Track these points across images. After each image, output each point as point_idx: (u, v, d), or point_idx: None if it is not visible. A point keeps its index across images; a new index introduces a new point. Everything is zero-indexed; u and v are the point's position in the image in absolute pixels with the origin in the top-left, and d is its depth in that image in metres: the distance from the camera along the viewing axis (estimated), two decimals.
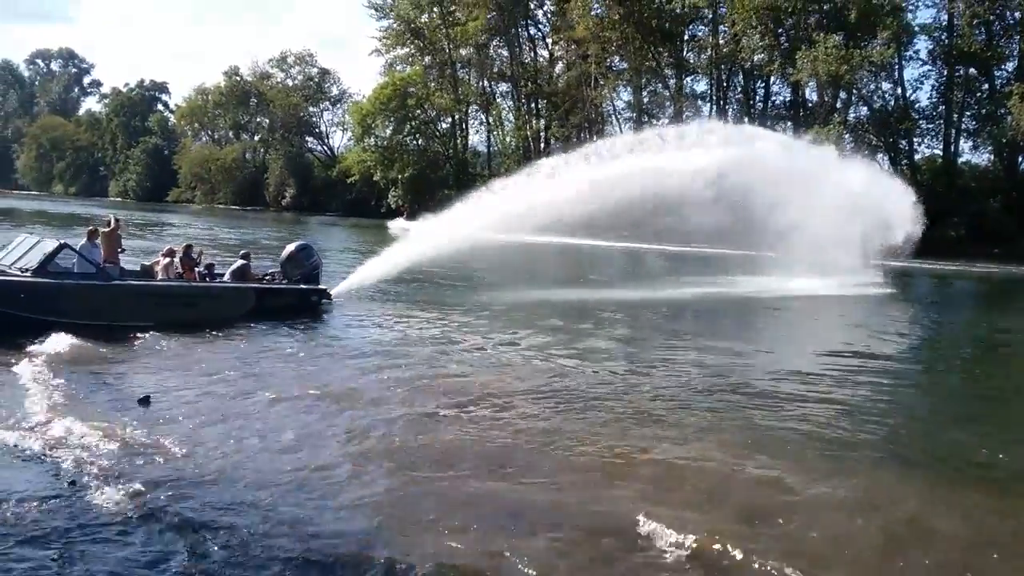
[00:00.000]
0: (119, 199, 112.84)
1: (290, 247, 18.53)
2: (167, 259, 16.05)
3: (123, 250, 15.62)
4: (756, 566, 6.40)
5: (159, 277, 15.83)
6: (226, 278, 17.02)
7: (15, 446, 8.18)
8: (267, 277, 17.98)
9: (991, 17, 50.64)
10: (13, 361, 11.59)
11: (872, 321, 21.33)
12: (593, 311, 20.16)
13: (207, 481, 7.63)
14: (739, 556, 6.50)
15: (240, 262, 17.31)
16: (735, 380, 12.93)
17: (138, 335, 13.73)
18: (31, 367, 11.33)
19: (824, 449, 9.47)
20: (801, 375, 13.51)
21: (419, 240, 20.83)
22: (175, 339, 13.82)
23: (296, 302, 17.54)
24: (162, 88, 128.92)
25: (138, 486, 7.32)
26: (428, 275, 22.84)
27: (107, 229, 15.20)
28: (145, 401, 10.00)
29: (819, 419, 10.67)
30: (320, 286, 18.38)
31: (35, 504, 6.89)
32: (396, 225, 57.55)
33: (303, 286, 17.89)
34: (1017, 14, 50.21)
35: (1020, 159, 51.87)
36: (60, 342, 12.62)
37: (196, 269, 16.77)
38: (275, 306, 16.85)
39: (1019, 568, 6.80)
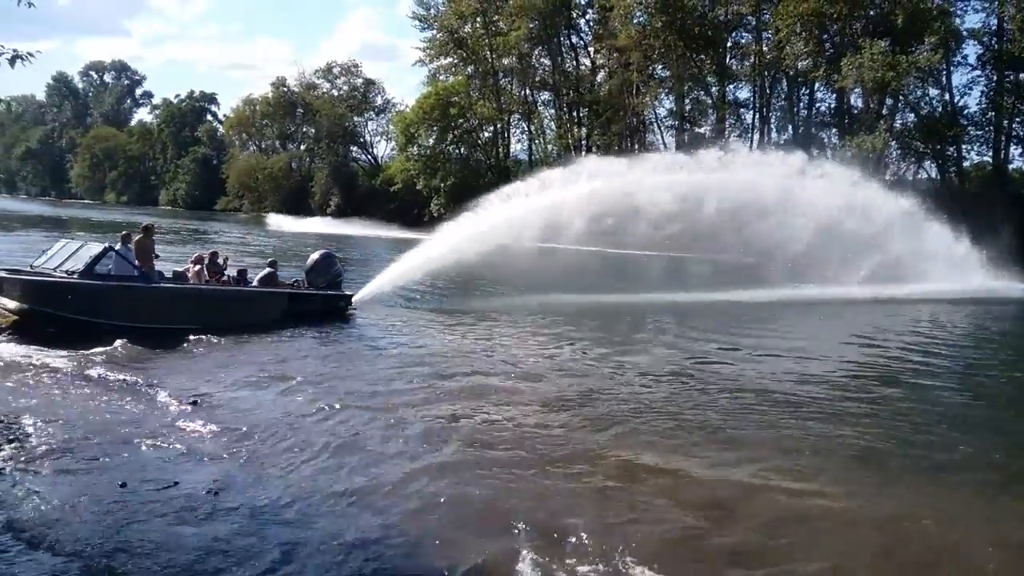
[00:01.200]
0: (169, 207, 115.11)
1: (314, 256, 18.97)
2: (197, 266, 16.37)
3: (158, 256, 15.95)
4: None
5: (190, 283, 16.15)
6: (254, 285, 17.38)
7: (67, 448, 8.38)
8: (294, 283, 18.35)
9: None
10: (58, 362, 11.90)
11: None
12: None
13: (259, 484, 7.78)
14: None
15: (267, 270, 17.74)
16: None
17: (176, 338, 14.02)
18: (75, 369, 11.63)
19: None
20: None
21: (437, 246, 21.31)
22: (213, 342, 14.09)
23: (323, 307, 17.97)
24: (211, 99, 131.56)
25: (189, 489, 7.48)
26: (448, 280, 23.14)
27: (141, 235, 15.51)
28: (194, 404, 10.19)
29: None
30: (345, 292, 18.84)
31: (87, 505, 7.06)
32: (274, 221, 70.09)
33: (329, 292, 18.32)
34: None
35: None
36: (102, 343, 12.94)
37: (226, 274, 17.16)
38: (304, 311, 17.24)
39: None
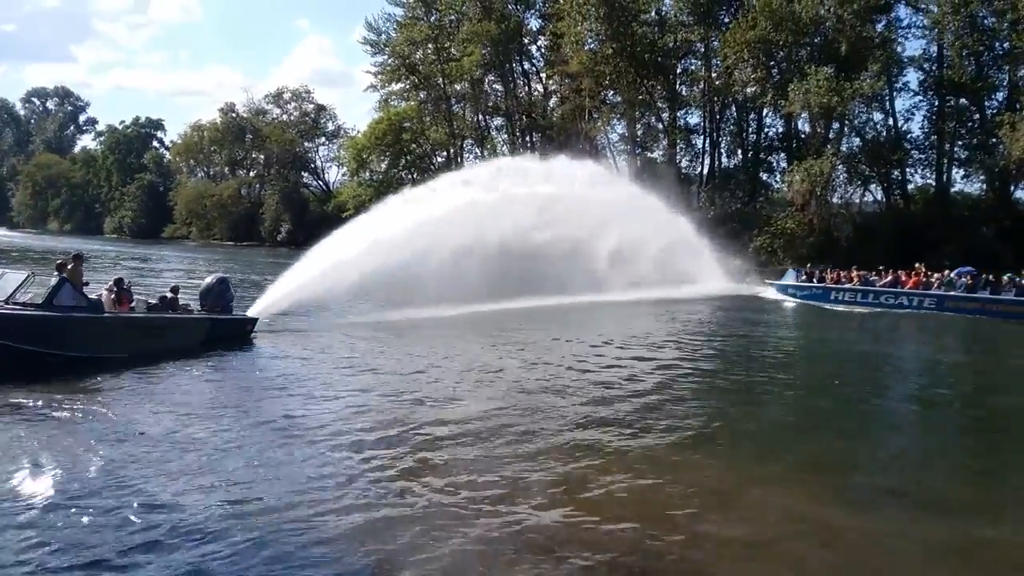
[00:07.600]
0: (115, 236, 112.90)
1: (209, 280, 19.02)
2: (112, 294, 16.18)
3: (87, 283, 15.79)
4: None
5: (106, 310, 15.89)
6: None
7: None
8: (189, 308, 18.31)
9: (980, 48, 51.09)
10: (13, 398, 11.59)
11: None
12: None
13: (200, 518, 7.60)
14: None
15: (169, 295, 17.73)
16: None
17: (106, 368, 13.83)
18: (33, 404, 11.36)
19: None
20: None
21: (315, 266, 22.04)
22: (143, 371, 14.00)
23: (238, 331, 18.18)
24: (158, 125, 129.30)
25: (135, 519, 7.33)
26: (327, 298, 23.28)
27: (72, 264, 15.29)
28: (141, 435, 10.02)
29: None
30: (250, 315, 19.16)
31: (24, 536, 6.87)
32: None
33: (241, 315, 18.60)
34: (1006, 44, 50.64)
35: (1012, 187, 52.17)
36: (42, 377, 12.66)
37: (136, 300, 17.05)
38: (222, 335, 17.41)
39: None
